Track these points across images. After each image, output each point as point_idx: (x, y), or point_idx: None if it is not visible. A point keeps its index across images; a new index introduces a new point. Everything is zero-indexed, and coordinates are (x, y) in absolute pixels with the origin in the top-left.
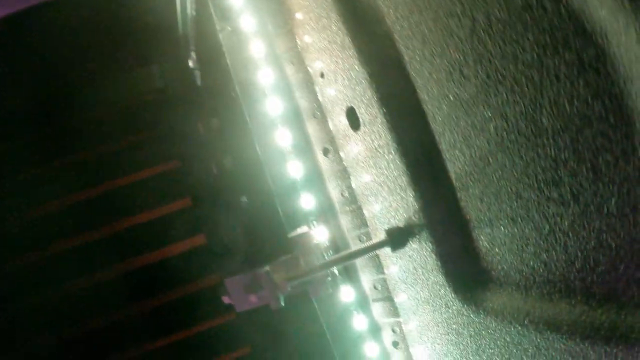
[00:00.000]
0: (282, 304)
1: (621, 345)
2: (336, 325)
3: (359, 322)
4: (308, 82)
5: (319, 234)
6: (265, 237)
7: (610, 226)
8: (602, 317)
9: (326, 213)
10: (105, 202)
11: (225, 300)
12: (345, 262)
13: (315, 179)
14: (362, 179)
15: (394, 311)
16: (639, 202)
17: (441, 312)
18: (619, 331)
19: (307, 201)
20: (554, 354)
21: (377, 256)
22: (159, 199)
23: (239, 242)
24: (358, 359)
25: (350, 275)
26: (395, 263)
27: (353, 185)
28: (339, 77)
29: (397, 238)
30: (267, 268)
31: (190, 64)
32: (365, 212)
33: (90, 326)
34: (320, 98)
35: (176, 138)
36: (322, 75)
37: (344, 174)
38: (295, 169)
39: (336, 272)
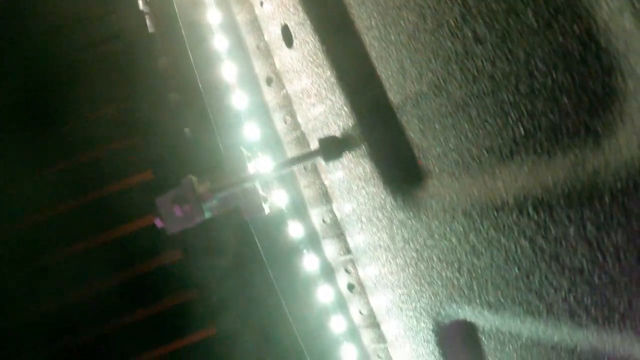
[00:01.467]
0: (207, 216)
1: (586, 203)
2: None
3: (309, 263)
4: (254, 20)
5: (264, 165)
6: (203, 161)
7: (538, 44)
8: (557, 172)
9: (271, 144)
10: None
11: (158, 223)
12: (273, 173)
13: (259, 110)
14: (302, 102)
15: (345, 247)
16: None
17: (386, 230)
18: (582, 183)
19: (251, 132)
20: (507, 243)
21: (325, 187)
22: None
23: None
24: (311, 300)
25: (298, 210)
26: (339, 190)
27: (296, 110)
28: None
29: (330, 147)
30: (191, 177)
31: (140, 6)
32: (308, 139)
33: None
34: (264, 34)
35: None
36: (261, 4)
37: (286, 102)
38: (240, 101)
39: (283, 206)
